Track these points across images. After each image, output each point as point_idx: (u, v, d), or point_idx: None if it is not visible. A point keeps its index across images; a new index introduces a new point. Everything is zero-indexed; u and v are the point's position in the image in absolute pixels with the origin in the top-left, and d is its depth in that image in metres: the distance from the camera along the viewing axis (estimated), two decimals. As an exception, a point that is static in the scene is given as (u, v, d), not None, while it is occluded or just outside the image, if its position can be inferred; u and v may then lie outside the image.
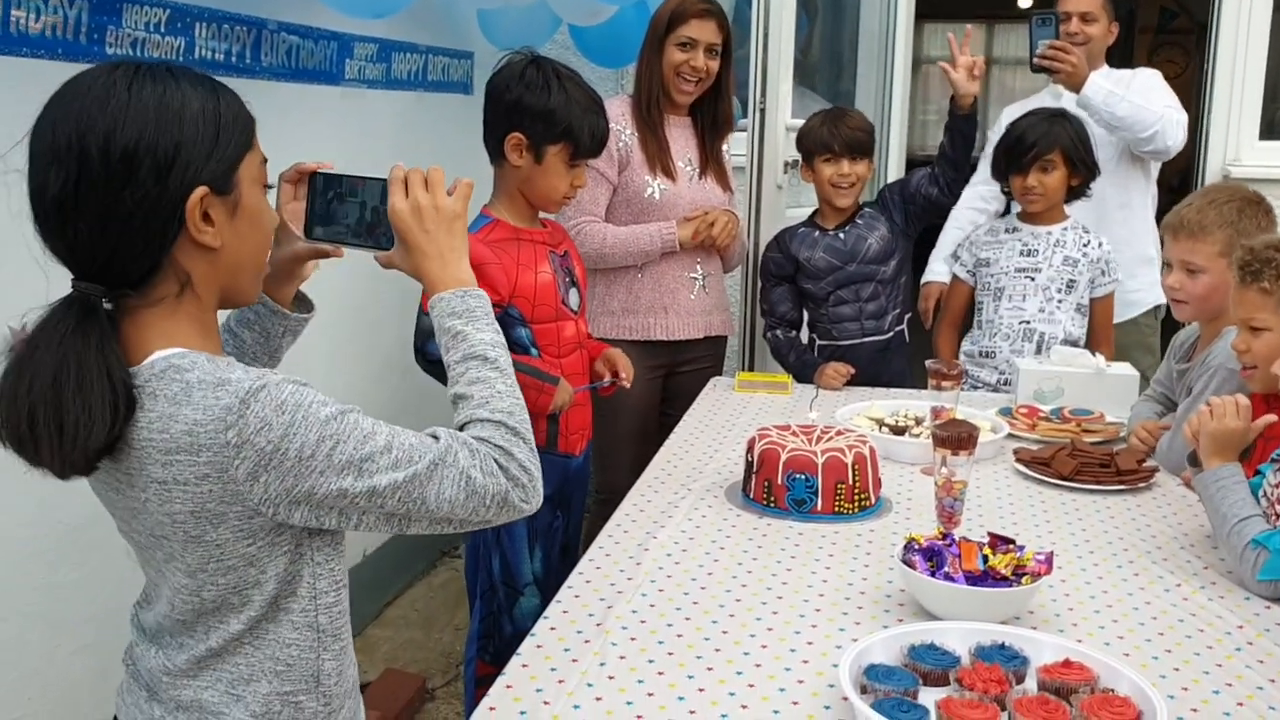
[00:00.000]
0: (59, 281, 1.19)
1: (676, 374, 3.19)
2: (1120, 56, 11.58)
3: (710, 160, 3.15)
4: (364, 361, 3.39)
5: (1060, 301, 3.15)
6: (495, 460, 1.22)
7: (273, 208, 1.30)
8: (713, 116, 3.15)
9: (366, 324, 3.38)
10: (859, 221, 3.15)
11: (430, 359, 2.22)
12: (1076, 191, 3.14)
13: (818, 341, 3.26)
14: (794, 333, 3.26)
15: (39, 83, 1.20)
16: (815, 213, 3.22)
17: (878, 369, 3.15)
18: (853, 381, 3.08)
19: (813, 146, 3.08)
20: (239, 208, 1.21)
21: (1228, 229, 2.38)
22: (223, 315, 1.38)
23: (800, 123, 3.24)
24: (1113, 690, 1.41)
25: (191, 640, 1.23)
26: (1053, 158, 3.08)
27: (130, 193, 1.12)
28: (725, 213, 3.12)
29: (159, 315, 1.18)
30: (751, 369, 3.45)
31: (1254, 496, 1.90)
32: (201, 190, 1.16)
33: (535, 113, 2.23)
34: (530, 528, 2.32)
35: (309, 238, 1.39)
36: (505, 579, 2.32)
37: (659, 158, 3.02)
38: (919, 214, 3.19)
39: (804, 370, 3.15)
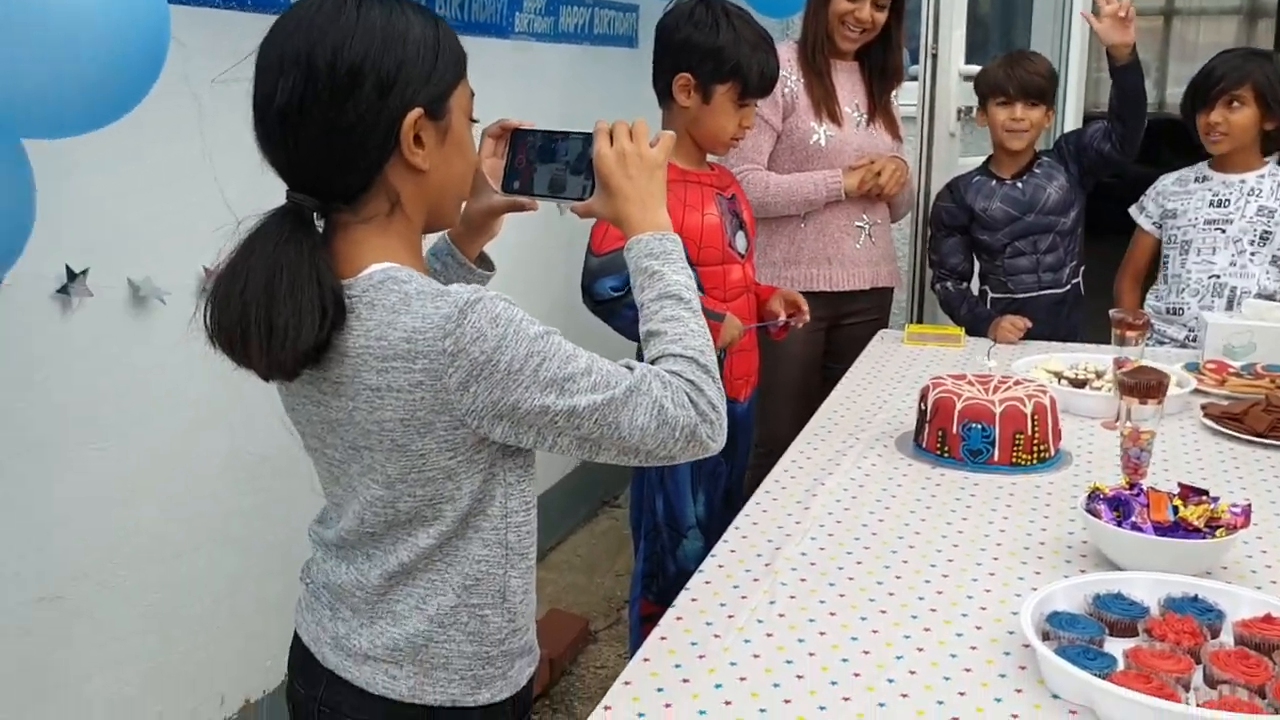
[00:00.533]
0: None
1: (840, 327, 3.13)
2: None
3: (879, 108, 3.07)
4: (533, 302, 3.45)
5: (1254, 254, 2.97)
6: (687, 394, 1.24)
7: (474, 144, 1.33)
8: (881, 66, 3.06)
9: (540, 266, 3.43)
10: (1037, 171, 3.03)
11: (597, 299, 2.24)
12: (1272, 137, 2.95)
13: (990, 294, 3.15)
14: (965, 285, 3.16)
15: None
16: (989, 160, 3.11)
17: (1054, 323, 3.04)
18: (1028, 336, 2.98)
19: (987, 89, 2.98)
20: (448, 134, 1.25)
21: None
22: None
23: (975, 69, 3.12)
24: (1320, 648, 1.33)
25: (380, 553, 1.27)
26: (1242, 93, 2.89)
27: (353, 106, 1.17)
28: (893, 160, 3.04)
29: (371, 232, 1.23)
30: (920, 322, 3.37)
31: None
32: (417, 111, 1.20)
33: (703, 51, 2.21)
34: (694, 472, 2.32)
35: (507, 191, 1.43)
36: (669, 521, 2.33)
37: (825, 103, 2.96)
38: (1092, 168, 3.04)
39: (976, 324, 3.06)
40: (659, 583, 2.37)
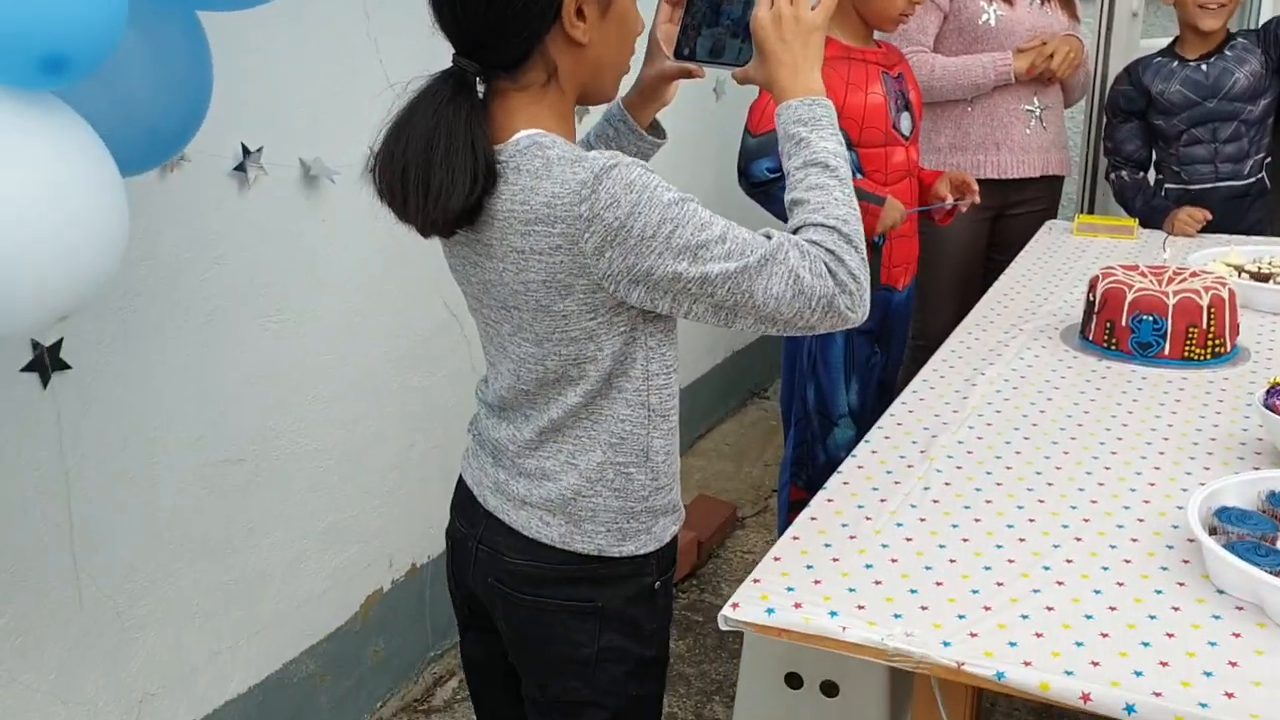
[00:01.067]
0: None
1: (1006, 216, 3.02)
2: None
3: None
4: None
5: None
6: (825, 264, 1.22)
7: (640, 14, 1.34)
8: None
9: (689, 156, 3.41)
10: (1227, 53, 2.82)
11: (753, 181, 2.20)
12: None
13: (1165, 184, 2.98)
14: (1141, 174, 3.00)
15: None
16: (1175, 40, 2.91)
17: (1233, 218, 2.86)
18: (1206, 229, 2.82)
19: None
20: (610, 9, 1.26)
21: None
22: (583, 130, 1.46)
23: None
24: None
25: (534, 412, 1.32)
26: None
27: None
28: (1067, 40, 2.87)
29: (526, 100, 1.25)
30: (1091, 213, 3.23)
31: None
32: None
33: None
34: (847, 360, 2.30)
35: (677, 57, 1.42)
36: (819, 408, 2.32)
37: None
38: None
39: (1151, 215, 2.91)
40: (808, 470, 2.37)
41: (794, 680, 2.12)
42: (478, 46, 1.24)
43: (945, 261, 2.92)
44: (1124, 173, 3.00)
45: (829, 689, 2.08)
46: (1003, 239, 3.00)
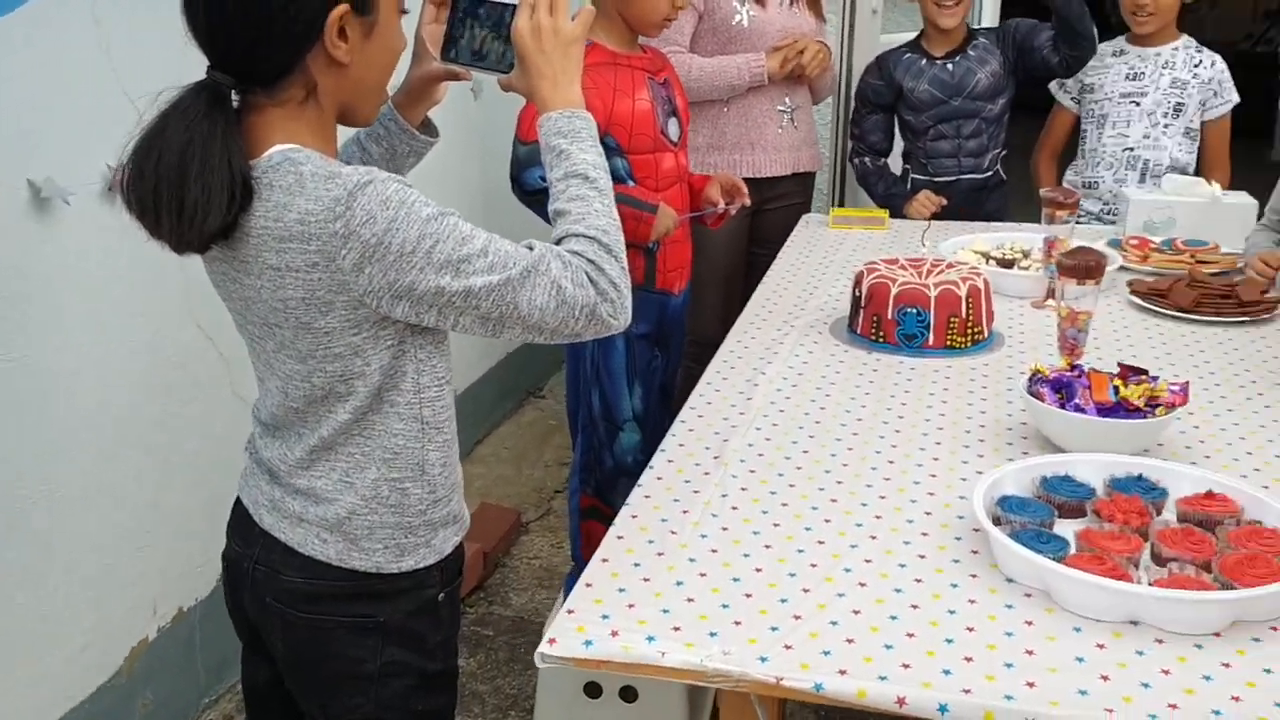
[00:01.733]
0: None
1: (764, 212, 3.09)
2: None
3: None
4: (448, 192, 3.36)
5: (1167, 126, 3.00)
6: (586, 273, 1.25)
7: (404, 33, 1.32)
8: None
9: (456, 157, 3.32)
10: (970, 53, 2.99)
11: (526, 189, 2.16)
12: (1191, 9, 2.96)
13: (912, 175, 3.14)
14: (882, 161, 3.15)
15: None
16: (920, 36, 3.06)
17: (974, 207, 3.04)
18: (947, 216, 2.98)
19: None
20: (374, 31, 1.25)
21: None
22: (353, 130, 1.43)
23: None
24: (1260, 522, 1.37)
25: (306, 430, 1.30)
26: None
27: None
28: (816, 41, 2.98)
29: (282, 115, 1.23)
30: (843, 205, 3.36)
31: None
32: (343, 7, 1.19)
33: None
34: (629, 365, 2.29)
35: (444, 59, 1.41)
36: (605, 414, 2.31)
37: None
38: (1030, 71, 2.99)
39: (892, 201, 3.07)
40: (596, 476, 2.36)
41: (593, 690, 2.10)
42: (234, 60, 1.19)
43: (709, 261, 2.96)
44: (866, 159, 3.14)
45: (628, 695, 2.08)
46: (761, 235, 3.07)
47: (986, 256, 2.54)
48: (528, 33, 1.33)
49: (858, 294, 2.15)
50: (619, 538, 1.43)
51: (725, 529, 1.45)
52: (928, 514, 1.49)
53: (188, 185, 1.15)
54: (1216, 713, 1.10)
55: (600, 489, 2.36)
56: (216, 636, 2.40)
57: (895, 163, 3.20)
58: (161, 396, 2.25)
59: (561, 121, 1.33)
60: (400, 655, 1.34)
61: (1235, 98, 3.01)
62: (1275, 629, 1.23)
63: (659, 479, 1.58)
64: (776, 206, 3.10)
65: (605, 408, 2.29)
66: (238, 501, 1.41)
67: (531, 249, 1.25)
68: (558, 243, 1.29)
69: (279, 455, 1.33)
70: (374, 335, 1.24)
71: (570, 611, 1.27)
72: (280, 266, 1.19)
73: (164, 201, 1.16)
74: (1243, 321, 2.19)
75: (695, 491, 1.54)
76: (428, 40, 1.42)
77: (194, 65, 1.22)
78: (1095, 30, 2.89)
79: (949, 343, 2.07)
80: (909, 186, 3.11)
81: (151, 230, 1.20)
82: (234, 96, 1.22)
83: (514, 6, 1.36)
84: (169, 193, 1.16)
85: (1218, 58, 3.00)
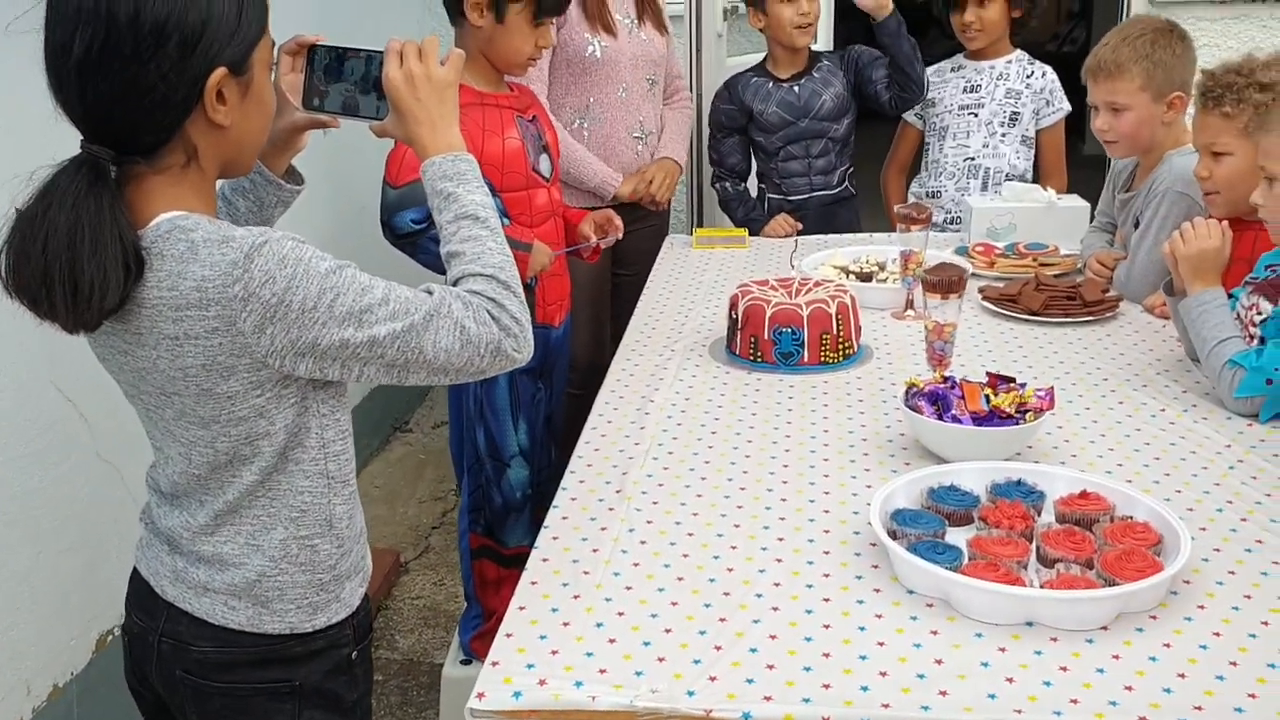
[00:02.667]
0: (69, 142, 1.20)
1: (625, 234, 3.13)
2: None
3: (646, 5, 3.04)
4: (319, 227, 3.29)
5: (1004, 135, 3.16)
6: (488, 311, 1.28)
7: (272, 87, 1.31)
8: None
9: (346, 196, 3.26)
10: (815, 75, 3.10)
11: (398, 233, 2.15)
12: (1021, 24, 3.13)
13: (767, 194, 3.24)
14: (743, 185, 3.24)
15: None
16: (766, 59, 3.16)
17: (827, 222, 3.15)
18: (804, 232, 3.09)
19: None
20: (250, 88, 1.24)
21: (1144, 62, 2.40)
22: (218, 183, 1.40)
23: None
24: (1130, 517, 1.47)
25: (209, 496, 1.29)
26: None
27: (155, 65, 1.15)
28: (662, 166, 3.02)
29: (164, 182, 1.21)
30: (701, 224, 3.43)
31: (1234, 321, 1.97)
32: (221, 71, 1.18)
33: None
34: (513, 400, 2.30)
35: (307, 109, 1.42)
36: (491, 452, 2.31)
37: (598, 14, 2.89)
38: (863, 100, 3.13)
39: (752, 225, 3.16)
40: (486, 515, 2.36)
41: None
42: (112, 133, 1.17)
43: (576, 287, 2.99)
44: (727, 184, 3.22)
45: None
46: (624, 257, 3.09)
47: (846, 271, 2.64)
48: (400, 81, 1.34)
49: (734, 316, 2.21)
50: (533, 583, 1.44)
51: (637, 564, 1.47)
52: (826, 532, 1.55)
53: (80, 266, 1.13)
54: (1113, 703, 1.18)
55: (491, 527, 2.36)
56: (96, 711, 2.31)
57: (754, 182, 3.29)
58: (25, 466, 2.15)
59: (445, 165, 1.35)
60: (319, 716, 1.34)
61: (1067, 106, 3.19)
62: (1154, 618, 1.33)
63: (565, 518, 1.60)
64: (638, 228, 3.13)
65: (491, 445, 2.29)
66: (135, 574, 1.38)
67: (431, 293, 1.26)
68: (455, 284, 1.31)
69: (181, 524, 1.31)
70: (277, 395, 1.23)
71: (495, 664, 1.27)
72: (178, 335, 1.17)
73: (56, 285, 1.14)
74: (1089, 320, 2.33)
75: (603, 529, 1.56)
76: (288, 91, 1.42)
77: (67, 139, 1.20)
78: (924, 75, 3.06)
79: (823, 359, 2.15)
80: (765, 207, 3.20)
81: (42, 314, 1.17)
82: (113, 168, 1.19)
83: (380, 55, 1.38)
84: (61, 275, 1.13)
85: (1049, 69, 3.19)
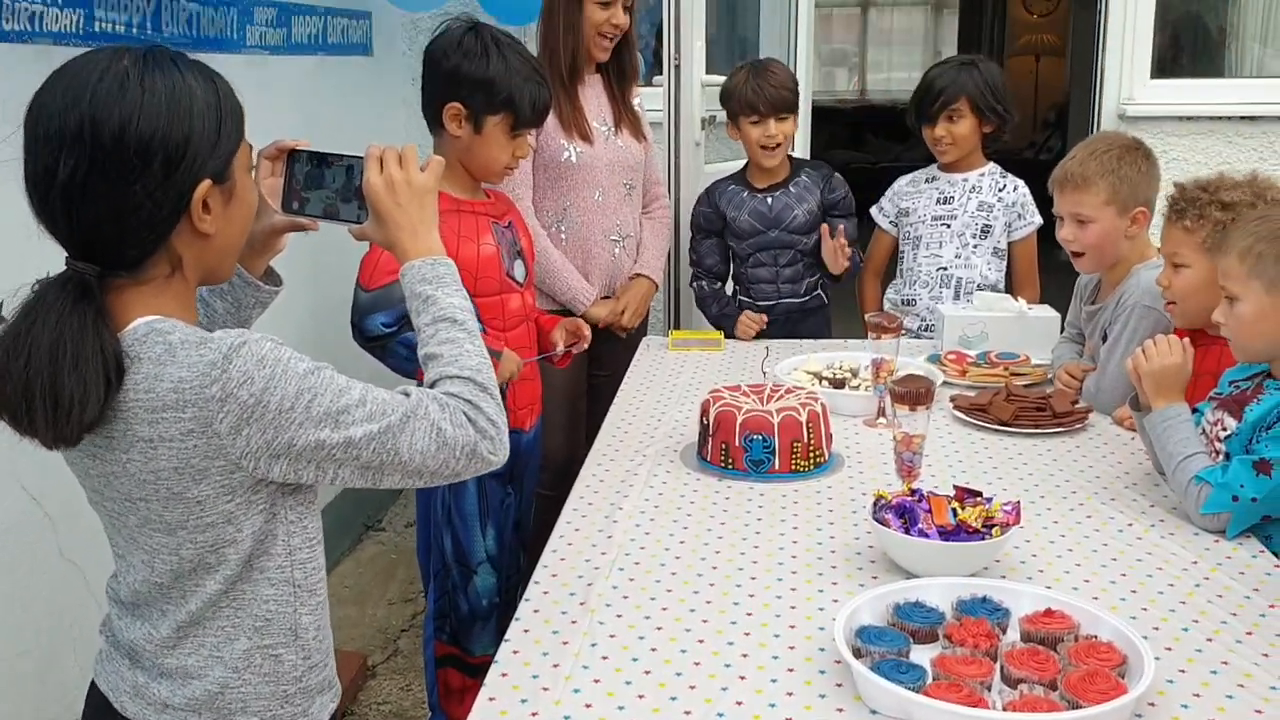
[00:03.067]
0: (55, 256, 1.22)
1: (602, 333, 3.16)
2: (993, -1, 11.79)
3: (624, 113, 3.10)
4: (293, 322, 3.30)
5: (976, 246, 3.21)
6: (464, 413, 1.28)
7: (256, 187, 1.35)
8: (620, 68, 3.07)
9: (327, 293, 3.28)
10: (790, 189, 3.17)
11: (368, 335, 2.16)
12: (993, 139, 3.20)
13: (739, 297, 3.28)
14: (719, 285, 3.28)
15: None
16: (746, 168, 3.22)
17: (792, 329, 3.19)
18: (771, 335, 3.12)
19: (737, 107, 3.08)
20: (233, 195, 1.26)
21: (1110, 177, 2.45)
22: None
23: (716, 78, 3.21)
24: (1095, 636, 1.46)
25: (171, 606, 1.27)
26: (959, 106, 3.12)
27: (141, 185, 1.16)
28: (637, 292, 3.09)
29: (148, 292, 1.23)
30: (679, 325, 3.45)
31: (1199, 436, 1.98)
32: (205, 183, 1.21)
33: (474, 82, 2.16)
34: (481, 505, 2.29)
35: (286, 212, 1.44)
36: (458, 558, 2.29)
37: (574, 121, 2.95)
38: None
39: (724, 322, 3.21)
40: (451, 622, 2.33)
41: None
42: (98, 250, 1.19)
43: (552, 388, 2.99)
44: (704, 283, 3.27)
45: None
46: (600, 358, 3.10)
47: (819, 377, 2.65)
48: (381, 187, 1.37)
49: (705, 422, 2.21)
50: (491, 699, 1.41)
51: (598, 680, 1.45)
52: (791, 648, 1.53)
53: (61, 381, 1.14)
54: (1077, 832, 1.16)
55: (456, 635, 2.33)
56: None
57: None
58: (-17, 567, 2.12)
59: (425, 269, 1.37)
60: None
61: (1038, 219, 3.25)
62: (1119, 741, 1.31)
63: (526, 631, 1.58)
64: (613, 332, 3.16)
65: (458, 551, 2.28)
66: (93, 688, 1.35)
67: (408, 395, 1.27)
68: (432, 386, 1.32)
69: (143, 635, 1.29)
70: (247, 500, 1.23)
71: (450, 784, 1.25)
72: (153, 438, 1.18)
73: (36, 399, 1.15)
74: (1059, 432, 2.34)
75: (565, 642, 1.54)
76: (266, 193, 1.44)
77: (51, 255, 1.21)
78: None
79: (794, 467, 2.15)
80: (738, 307, 3.24)
81: (22, 429, 1.18)
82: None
83: (360, 160, 1.41)
84: (42, 390, 1.14)
85: (1020, 182, 3.25)
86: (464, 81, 2.16)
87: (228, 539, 1.24)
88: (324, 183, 1.43)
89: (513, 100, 2.16)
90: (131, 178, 1.16)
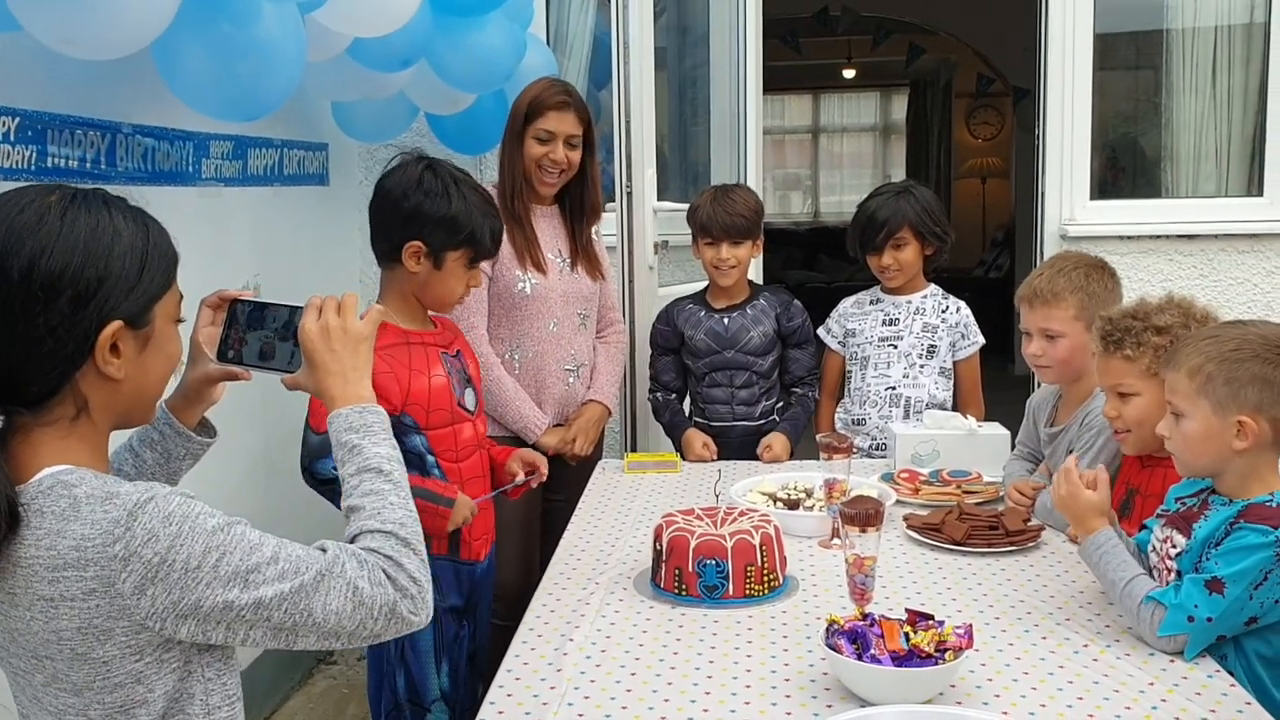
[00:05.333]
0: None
1: (556, 459, 3.14)
2: (940, 121, 12.24)
3: (580, 250, 3.11)
4: (231, 463, 3.25)
5: (923, 366, 3.25)
6: (384, 570, 1.25)
7: (181, 339, 1.32)
8: (580, 204, 3.10)
9: (276, 420, 3.24)
10: (748, 310, 3.21)
11: (318, 478, 2.14)
12: (933, 260, 3.27)
13: (695, 419, 3.29)
14: (674, 396, 3.30)
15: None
16: (707, 288, 3.27)
17: (747, 450, 3.18)
18: (726, 457, 3.13)
19: (696, 229, 3.15)
20: (149, 341, 1.24)
21: (1079, 293, 2.51)
22: (126, 433, 1.41)
23: (667, 204, 3.27)
24: (1052, 764, 1.43)
25: None
26: (903, 235, 3.20)
27: (45, 319, 1.15)
28: (589, 419, 3.11)
29: (52, 435, 1.20)
30: (635, 447, 3.45)
31: (1142, 553, 1.99)
32: (116, 325, 1.19)
33: (436, 220, 2.18)
34: (437, 641, 2.24)
35: (221, 361, 1.44)
36: (411, 697, 2.22)
37: (528, 251, 2.97)
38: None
39: (674, 431, 3.22)
40: (402, 765, 2.25)
41: None
42: None
43: (507, 515, 2.96)
44: (659, 394, 3.30)
45: None
46: (556, 481, 3.08)
47: (774, 498, 2.65)
48: (316, 333, 1.36)
49: (659, 548, 2.19)
50: (434, 845, 1.36)
51: (544, 823, 1.40)
52: (744, 784, 1.49)
53: None
54: None
55: (407, 774, 2.25)
56: None
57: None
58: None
59: (353, 417, 1.34)
60: None
61: (980, 339, 3.30)
62: None
63: (472, 771, 1.53)
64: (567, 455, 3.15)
65: (411, 689, 2.22)
66: None
67: (325, 550, 1.23)
68: (352, 540, 1.27)
69: None
70: (157, 660, 1.18)
71: None
72: (53, 597, 1.13)
73: None
74: (1012, 550, 2.34)
75: (510, 783, 1.50)
76: (204, 343, 1.44)
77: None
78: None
79: (748, 591, 2.12)
80: (692, 422, 3.26)
81: None
82: None
83: (297, 308, 1.41)
84: None
85: (962, 304, 3.31)
86: (425, 220, 2.18)
87: (138, 699, 1.19)
88: (263, 329, 1.43)
89: (474, 235, 2.20)
90: (34, 311, 1.15)
